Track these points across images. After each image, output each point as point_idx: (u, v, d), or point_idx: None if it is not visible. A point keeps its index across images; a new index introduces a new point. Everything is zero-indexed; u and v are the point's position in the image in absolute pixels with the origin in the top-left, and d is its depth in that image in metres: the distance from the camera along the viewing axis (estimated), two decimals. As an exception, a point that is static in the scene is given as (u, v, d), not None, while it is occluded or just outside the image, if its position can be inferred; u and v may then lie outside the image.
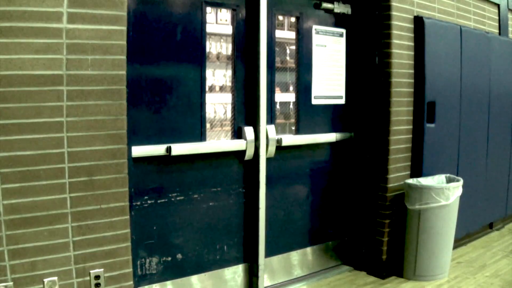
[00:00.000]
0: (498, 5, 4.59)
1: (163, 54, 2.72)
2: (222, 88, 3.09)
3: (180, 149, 2.78)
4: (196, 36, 2.84)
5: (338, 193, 3.65)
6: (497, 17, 4.60)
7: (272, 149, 3.14)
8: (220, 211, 3.06)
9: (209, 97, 2.98)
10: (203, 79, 2.89)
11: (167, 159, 2.78)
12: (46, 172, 2.14)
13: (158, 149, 2.71)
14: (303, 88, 3.36)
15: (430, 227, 3.34)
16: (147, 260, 2.78)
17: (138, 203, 2.69)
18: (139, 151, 2.63)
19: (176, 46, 2.77)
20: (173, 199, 2.84)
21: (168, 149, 2.73)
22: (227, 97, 3.07)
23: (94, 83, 2.24)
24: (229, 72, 3.07)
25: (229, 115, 3.11)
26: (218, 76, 3.11)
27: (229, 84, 3.08)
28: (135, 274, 2.67)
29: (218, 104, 3.10)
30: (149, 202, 2.74)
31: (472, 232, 4.31)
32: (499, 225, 4.73)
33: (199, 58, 2.87)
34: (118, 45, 2.29)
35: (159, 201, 2.78)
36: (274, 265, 3.33)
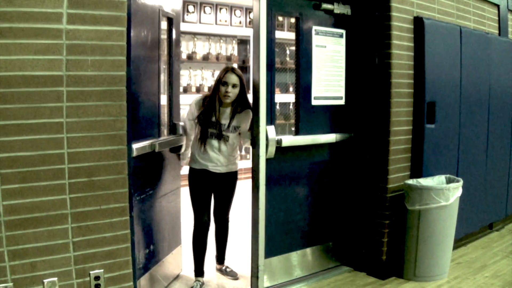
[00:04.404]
0: (498, 6, 4.59)
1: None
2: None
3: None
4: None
5: (338, 194, 3.65)
6: (497, 18, 4.60)
7: (272, 149, 3.14)
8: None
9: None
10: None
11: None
12: (46, 173, 2.14)
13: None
14: (303, 88, 3.36)
15: (430, 228, 3.34)
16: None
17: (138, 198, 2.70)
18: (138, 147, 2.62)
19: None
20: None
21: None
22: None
23: (94, 84, 2.24)
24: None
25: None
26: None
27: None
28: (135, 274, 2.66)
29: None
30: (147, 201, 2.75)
31: (472, 233, 4.31)
32: (499, 226, 4.72)
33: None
34: (118, 46, 2.29)
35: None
36: (274, 265, 3.33)
